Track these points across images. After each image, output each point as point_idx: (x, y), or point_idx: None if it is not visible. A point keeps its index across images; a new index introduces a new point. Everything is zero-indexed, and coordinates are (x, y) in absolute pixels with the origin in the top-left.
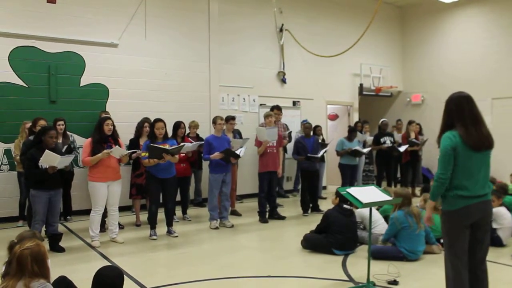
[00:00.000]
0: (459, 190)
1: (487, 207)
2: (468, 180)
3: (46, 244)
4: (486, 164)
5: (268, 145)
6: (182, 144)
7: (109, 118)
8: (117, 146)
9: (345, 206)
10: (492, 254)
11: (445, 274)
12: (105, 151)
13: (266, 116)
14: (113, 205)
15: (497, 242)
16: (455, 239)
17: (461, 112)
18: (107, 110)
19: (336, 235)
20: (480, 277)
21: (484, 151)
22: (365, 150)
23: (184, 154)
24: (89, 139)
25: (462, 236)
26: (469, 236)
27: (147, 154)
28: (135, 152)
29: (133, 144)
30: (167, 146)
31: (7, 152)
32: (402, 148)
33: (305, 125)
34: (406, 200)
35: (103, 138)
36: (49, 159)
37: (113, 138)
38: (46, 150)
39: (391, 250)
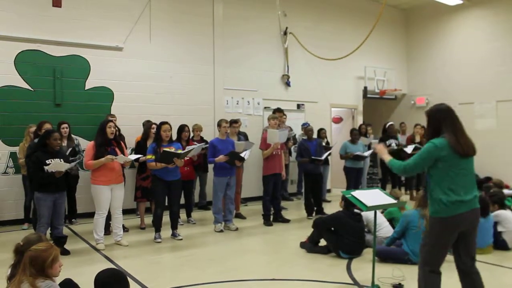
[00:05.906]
0: (448, 195)
1: (476, 216)
2: (456, 185)
3: None
4: (472, 169)
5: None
6: (192, 147)
7: (112, 121)
8: (121, 154)
9: (356, 210)
10: (497, 257)
11: (418, 277)
12: (108, 156)
13: (271, 119)
14: (116, 208)
15: (503, 246)
16: (440, 245)
17: (450, 121)
18: (112, 113)
19: (345, 238)
20: (477, 282)
21: (470, 157)
22: (366, 154)
23: (188, 158)
24: (92, 142)
25: (448, 242)
26: (456, 241)
27: (153, 157)
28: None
29: (141, 146)
30: (173, 149)
31: (13, 155)
32: (408, 149)
33: (307, 127)
34: (423, 202)
35: (106, 141)
36: (57, 166)
37: (116, 141)
38: (55, 160)
39: (396, 251)
